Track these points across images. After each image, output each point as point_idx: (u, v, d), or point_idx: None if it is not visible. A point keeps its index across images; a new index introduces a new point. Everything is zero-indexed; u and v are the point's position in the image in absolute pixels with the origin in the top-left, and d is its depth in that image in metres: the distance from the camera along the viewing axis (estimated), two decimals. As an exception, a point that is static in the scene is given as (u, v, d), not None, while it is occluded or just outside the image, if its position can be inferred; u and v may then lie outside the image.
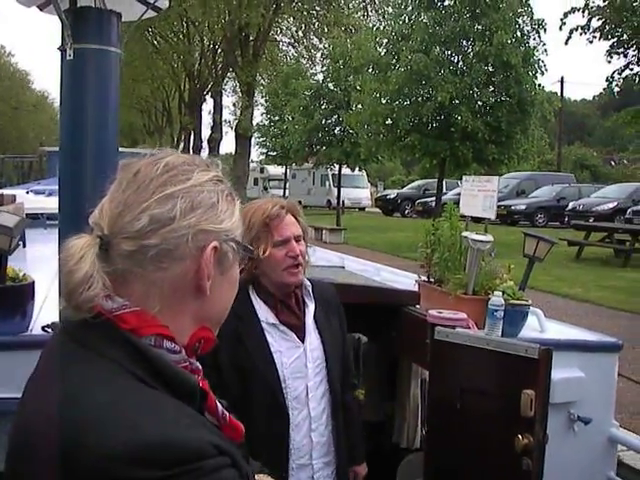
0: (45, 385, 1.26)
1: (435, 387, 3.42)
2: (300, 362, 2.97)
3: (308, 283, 3.11)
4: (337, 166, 35.11)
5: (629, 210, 27.58)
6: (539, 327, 3.90)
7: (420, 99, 22.90)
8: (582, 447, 3.58)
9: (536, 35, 23.32)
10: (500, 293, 3.60)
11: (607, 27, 13.01)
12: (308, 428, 2.98)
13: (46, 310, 3.30)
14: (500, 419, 3.00)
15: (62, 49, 3.01)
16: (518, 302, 3.67)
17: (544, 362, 2.85)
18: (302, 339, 3.00)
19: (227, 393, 2.74)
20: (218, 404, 1.36)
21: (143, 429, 1.09)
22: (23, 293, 3.14)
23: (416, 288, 4.25)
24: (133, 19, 3.39)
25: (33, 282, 3.21)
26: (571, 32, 13.28)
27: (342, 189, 35.24)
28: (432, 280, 4.21)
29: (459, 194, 13.23)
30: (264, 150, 42.65)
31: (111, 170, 1.36)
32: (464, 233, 3.98)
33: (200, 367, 1.35)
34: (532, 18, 23.24)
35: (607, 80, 13.98)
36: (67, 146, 3.07)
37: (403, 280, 4.86)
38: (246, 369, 2.87)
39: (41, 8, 3.29)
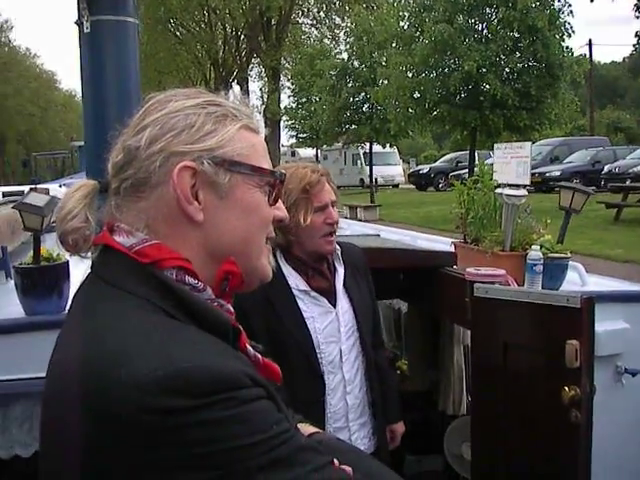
0: (74, 325, 1.25)
1: (477, 344, 3.39)
2: (333, 327, 2.97)
3: (337, 247, 3.09)
4: (368, 144, 35.00)
5: (666, 169, 27.17)
6: (580, 281, 3.83)
7: (446, 70, 22.78)
8: (630, 399, 3.51)
9: (562, -3, 23.05)
10: (538, 247, 3.54)
11: (634, -19, 12.76)
12: (343, 391, 2.99)
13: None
14: (545, 372, 2.95)
15: (79, 22, 3.00)
16: (557, 255, 3.60)
17: (587, 311, 2.79)
18: (333, 304, 3.00)
19: None
20: (250, 348, 1.32)
21: (175, 358, 1.06)
22: (58, 272, 3.14)
23: (452, 249, 4.20)
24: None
25: (67, 262, 3.21)
26: (597, -11, 13.03)
27: (374, 167, 35.17)
28: (468, 240, 4.16)
29: (492, 165, 13.00)
30: (293, 133, 42.66)
31: None
32: (498, 190, 3.93)
33: (232, 309, 1.33)
34: (555, -21, 22.98)
35: (636, 36, 13.73)
36: (90, 121, 3.06)
37: (439, 245, 4.81)
38: (280, 335, 2.85)
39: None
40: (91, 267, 1.31)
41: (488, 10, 22.87)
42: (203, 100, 1.31)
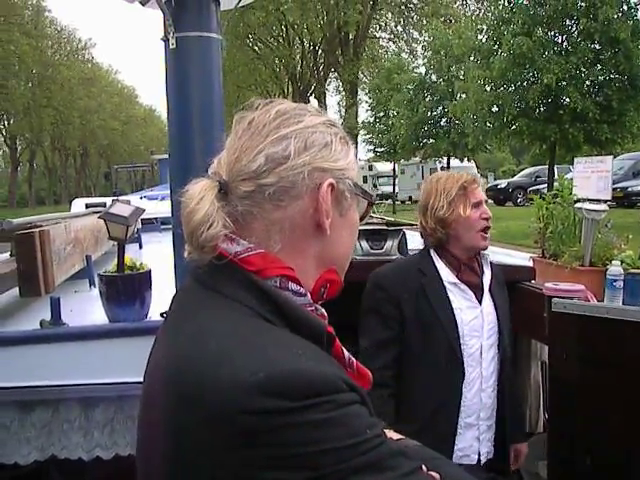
0: (173, 327, 1.31)
1: (555, 360, 3.35)
2: (477, 321, 3.08)
3: (488, 253, 3.27)
4: (445, 158, 34.84)
5: None
6: (663, 297, 3.76)
7: (525, 83, 22.52)
8: None
9: (645, 7, 22.64)
10: (619, 262, 3.49)
11: None
12: (479, 387, 3.06)
13: (163, 298, 3.38)
14: (624, 388, 2.91)
15: (165, 39, 3.08)
16: (638, 271, 3.55)
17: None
18: (479, 300, 3.11)
19: (409, 345, 3.01)
20: (345, 351, 1.35)
21: (275, 361, 1.10)
22: (141, 281, 3.24)
23: (531, 264, 4.17)
24: (230, 7, 3.43)
25: (150, 270, 3.29)
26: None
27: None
28: (547, 255, 4.13)
29: (572, 179, 12.78)
30: (371, 147, 42.64)
31: None
32: (577, 204, 3.89)
33: (325, 314, 1.35)
34: (638, -10, 22.58)
35: None
36: (175, 133, 3.14)
37: (518, 260, 4.77)
38: (428, 323, 3.01)
39: (143, 3, 3.37)
40: (191, 271, 1.35)
41: (568, 22, 22.56)
42: (326, 119, 1.39)
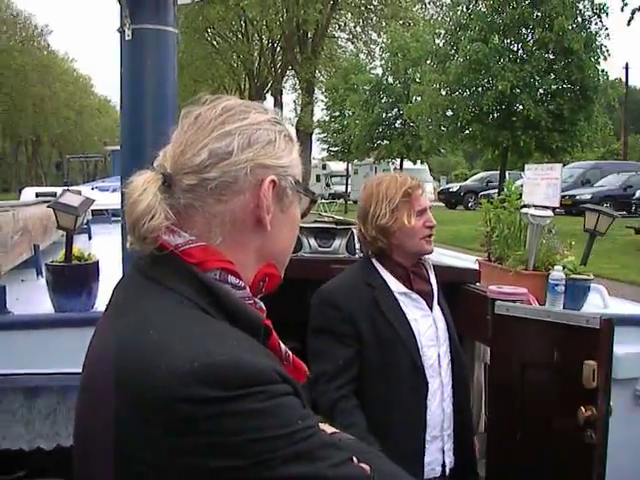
0: (114, 316, 1.33)
1: (496, 362, 3.41)
2: (432, 330, 3.00)
3: (428, 256, 3.16)
4: (399, 160, 35.02)
5: None
6: (602, 303, 3.85)
7: (480, 89, 22.75)
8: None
9: (597, 20, 23.00)
10: (561, 267, 3.57)
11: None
12: (441, 398, 2.98)
13: (111, 289, 3.37)
14: (562, 392, 2.97)
15: (120, 30, 3.09)
16: (579, 276, 3.63)
17: (606, 332, 2.82)
18: (430, 308, 3.03)
19: (369, 363, 2.87)
20: (281, 344, 1.39)
21: (211, 351, 1.13)
22: (89, 272, 3.23)
23: (477, 267, 4.23)
24: (187, 1, 3.44)
25: (97, 261, 3.29)
26: (633, 12, 13.04)
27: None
28: (492, 259, 4.19)
29: (521, 185, 13.05)
30: (325, 146, 42.73)
31: None
32: (523, 210, 3.96)
33: (264, 307, 1.39)
34: (593, 2, 22.92)
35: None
36: (127, 125, 3.14)
37: (464, 263, 4.84)
38: (387, 338, 2.89)
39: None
40: (133, 262, 1.38)
41: (524, 31, 22.87)
42: (272, 117, 1.42)
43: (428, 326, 2.98)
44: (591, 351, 2.81)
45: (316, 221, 4.57)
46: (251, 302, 1.34)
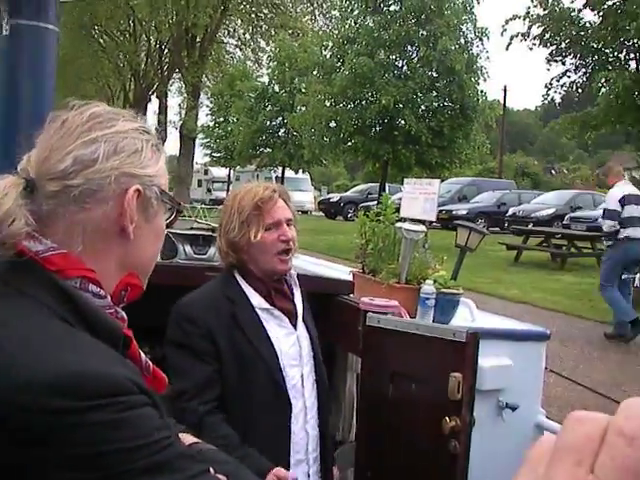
0: None
1: (366, 372, 3.45)
2: (295, 349, 2.92)
3: (294, 272, 3.06)
4: (280, 168, 35.16)
5: (566, 216, 28.31)
6: (470, 317, 3.95)
7: (364, 102, 23.05)
8: (510, 433, 3.63)
9: (479, 42, 23.83)
10: (431, 282, 3.65)
11: (546, 35, 13.25)
12: (304, 420, 2.91)
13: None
14: (429, 403, 3.03)
15: (-3, 24, 3.00)
16: (449, 291, 3.72)
17: (471, 346, 2.90)
18: (294, 326, 2.94)
19: (228, 382, 2.75)
20: (142, 354, 1.37)
21: (61, 360, 1.11)
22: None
23: (350, 278, 4.28)
24: (70, -2, 3.37)
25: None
26: (512, 38, 13.53)
27: (286, 192, 35.20)
28: (366, 271, 4.24)
29: (398, 198, 13.42)
30: (208, 151, 42.54)
31: None
32: (398, 224, 4.03)
33: (125, 317, 1.37)
34: (475, 26, 23.67)
35: (546, 87, 14.25)
36: (1, 122, 3.05)
37: (338, 273, 4.89)
38: (247, 356, 2.77)
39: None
40: None
41: (409, 48, 23.33)
42: (140, 125, 1.40)
43: (291, 345, 2.90)
44: (457, 363, 2.89)
45: (192, 228, 4.54)
46: (112, 311, 1.32)
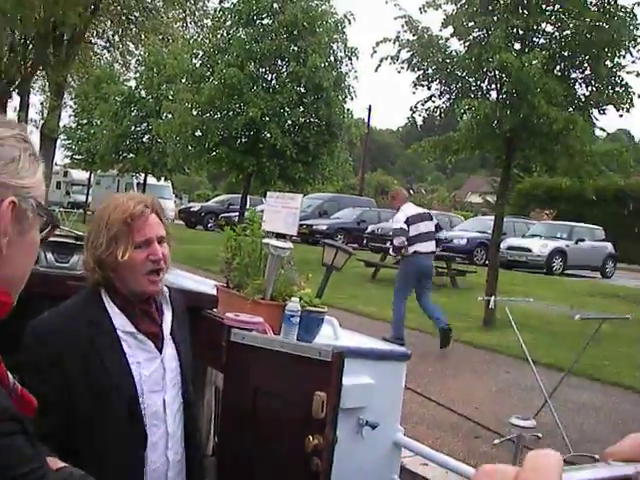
0: None
1: (229, 388, 3.43)
2: (158, 374, 2.78)
3: (166, 290, 2.94)
4: (143, 175, 34.67)
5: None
6: (334, 335, 3.99)
7: (231, 113, 22.94)
8: (370, 450, 3.70)
9: (349, 62, 24.13)
10: (297, 299, 3.66)
11: (415, 60, 13.59)
12: (164, 446, 2.77)
13: None
14: (293, 421, 3.03)
15: None
16: (314, 309, 3.75)
17: (336, 365, 2.92)
18: (160, 349, 2.81)
19: (79, 411, 2.58)
20: (9, 375, 1.31)
21: None
22: None
23: (215, 292, 4.25)
24: None
25: None
26: (381, 60, 13.73)
27: (147, 199, 34.71)
28: (231, 285, 4.22)
29: (263, 210, 13.56)
30: (69, 153, 41.39)
31: None
32: (265, 240, 4.03)
33: None
34: (346, 45, 24.02)
35: (411, 110, 14.57)
36: None
37: (202, 287, 4.85)
38: (100, 384, 2.60)
39: None
40: None
41: (280, 62, 23.40)
42: (18, 133, 1.31)
43: (153, 370, 2.76)
44: (322, 382, 2.91)
45: (55, 234, 4.39)
46: None
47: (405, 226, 11.72)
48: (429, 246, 11.96)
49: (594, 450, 7.17)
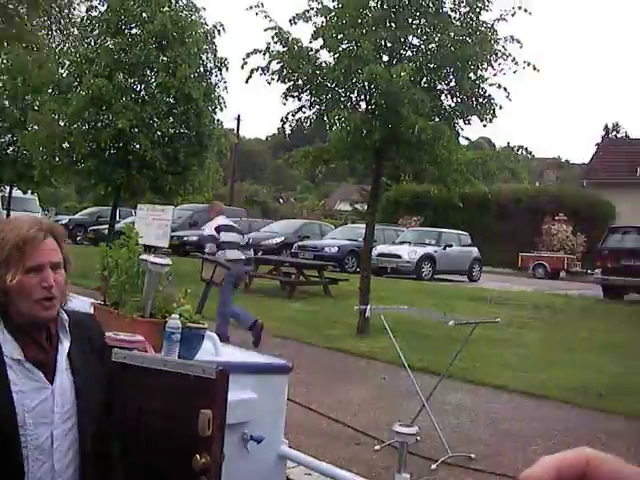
0: None
1: (113, 410, 3.38)
2: (46, 406, 2.64)
3: (65, 317, 2.83)
4: (8, 188, 33.57)
5: (295, 245, 29.62)
6: (214, 351, 3.99)
7: (100, 124, 22.50)
8: (255, 465, 3.72)
9: (218, 72, 24.07)
10: (177, 316, 3.65)
11: (285, 71, 13.68)
12: None
13: None
14: (179, 440, 3.00)
15: None
16: (195, 325, 3.74)
17: (221, 382, 2.93)
18: (51, 380, 2.69)
19: None
20: None
21: None
22: None
23: (92, 311, 4.17)
24: None
25: None
26: (252, 72, 13.75)
27: (12, 213, 33.64)
28: (108, 303, 4.15)
29: (133, 222, 13.68)
30: None
31: None
32: (142, 256, 4.00)
33: None
34: (216, 56, 23.94)
35: (281, 121, 14.64)
36: None
37: (78, 305, 4.74)
38: None
39: None
40: None
41: (149, 73, 23.11)
42: None
43: (40, 401, 2.63)
44: (207, 400, 2.91)
45: None
46: None
47: (215, 233, 12.53)
48: (239, 254, 12.54)
49: (470, 450, 7.43)
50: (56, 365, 2.73)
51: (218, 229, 12.55)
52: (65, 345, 2.80)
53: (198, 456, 2.87)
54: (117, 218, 26.05)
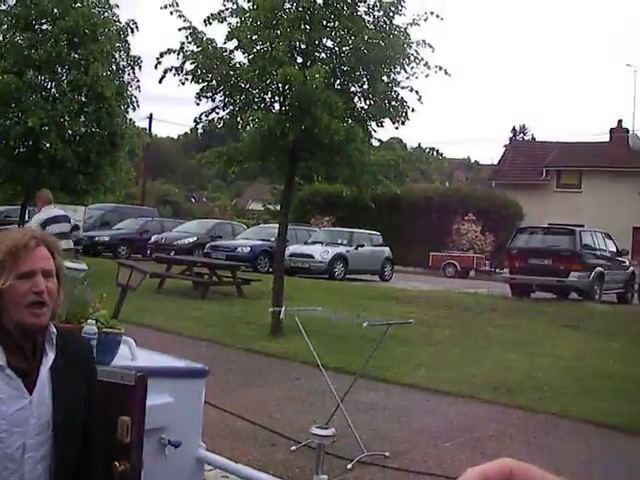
0: None
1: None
2: (22, 415, 2.63)
3: (54, 330, 2.82)
4: None
5: (207, 245, 29.62)
6: (130, 355, 3.99)
7: (9, 122, 21.96)
8: (173, 469, 3.73)
9: (131, 71, 23.76)
10: (93, 321, 3.63)
11: (199, 71, 13.61)
12: None
13: None
14: (100, 447, 3.01)
15: None
16: (111, 330, 3.74)
17: (139, 389, 2.95)
18: (31, 390, 2.68)
19: None
20: None
21: None
22: None
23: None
24: None
25: None
26: (165, 72, 13.64)
27: None
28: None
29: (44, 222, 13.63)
30: None
31: None
32: (59, 261, 3.97)
33: None
34: (129, 54, 23.64)
35: (195, 121, 14.55)
36: None
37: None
38: None
39: None
40: None
41: (60, 70, 22.68)
42: None
43: (16, 409, 2.62)
44: (126, 407, 2.93)
45: None
46: None
47: (41, 228, 12.27)
48: (69, 243, 12.78)
49: (385, 448, 7.55)
50: (38, 376, 2.73)
51: (44, 224, 12.51)
52: (50, 357, 2.79)
53: (117, 464, 2.88)
54: (26, 218, 25.51)
